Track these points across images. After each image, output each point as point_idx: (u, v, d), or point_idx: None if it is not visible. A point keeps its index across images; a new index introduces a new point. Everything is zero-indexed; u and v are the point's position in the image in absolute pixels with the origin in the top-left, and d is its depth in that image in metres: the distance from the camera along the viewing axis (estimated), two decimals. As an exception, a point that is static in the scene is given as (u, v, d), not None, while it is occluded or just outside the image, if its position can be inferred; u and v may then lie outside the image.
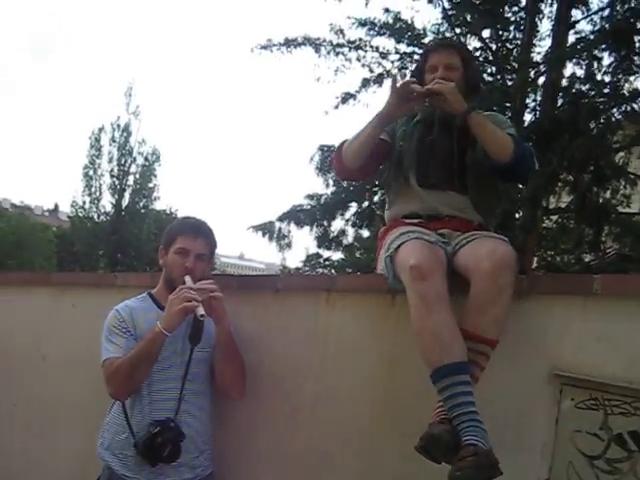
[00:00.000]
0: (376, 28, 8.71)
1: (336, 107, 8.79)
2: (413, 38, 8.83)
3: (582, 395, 1.75)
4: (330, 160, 2.38)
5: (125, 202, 23.23)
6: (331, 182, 8.86)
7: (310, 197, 9.07)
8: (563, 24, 9.39)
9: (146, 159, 23.57)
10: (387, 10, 9.11)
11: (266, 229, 9.41)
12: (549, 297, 1.82)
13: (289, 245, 9.45)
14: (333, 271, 9.91)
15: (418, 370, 1.98)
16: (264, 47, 8.83)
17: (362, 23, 8.67)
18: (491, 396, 1.82)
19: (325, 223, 8.89)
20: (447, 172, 2.11)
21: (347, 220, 8.70)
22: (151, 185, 23.81)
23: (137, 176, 23.43)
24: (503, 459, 1.57)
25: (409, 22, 9.05)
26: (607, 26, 8.03)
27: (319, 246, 9.41)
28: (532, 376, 1.82)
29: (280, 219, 9.31)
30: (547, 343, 1.81)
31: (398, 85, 1.99)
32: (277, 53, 8.92)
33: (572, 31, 9.18)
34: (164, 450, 1.97)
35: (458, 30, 8.91)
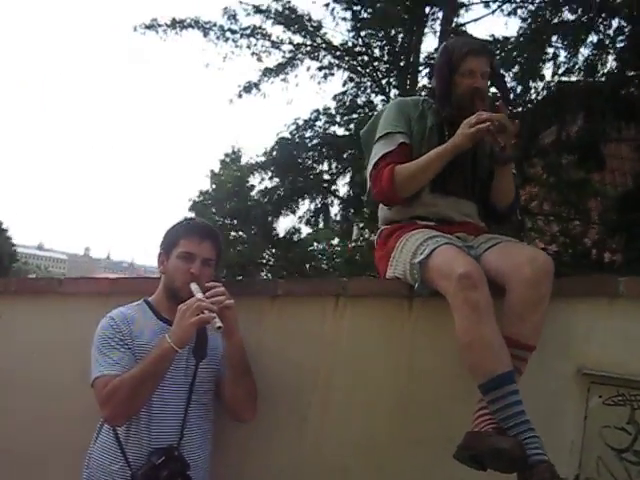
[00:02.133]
0: (271, 15, 8.64)
1: (239, 96, 8.63)
2: (307, 29, 8.89)
3: (609, 392, 1.89)
4: (374, 185, 2.23)
5: None
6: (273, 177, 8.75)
7: (263, 193, 8.81)
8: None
9: None
10: (277, -2, 9.09)
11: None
12: (575, 299, 1.94)
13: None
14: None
15: (438, 377, 2.04)
16: (148, 27, 8.39)
17: (258, 10, 8.55)
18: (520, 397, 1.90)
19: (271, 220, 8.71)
20: (463, 180, 2.16)
21: (300, 217, 8.56)
22: None
23: None
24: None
25: (300, 13, 9.12)
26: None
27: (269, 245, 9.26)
28: (560, 376, 1.93)
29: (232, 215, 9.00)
30: (574, 343, 1.93)
31: (479, 130, 1.95)
32: (163, 34, 8.51)
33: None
34: None
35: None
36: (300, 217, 8.77)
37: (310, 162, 8.49)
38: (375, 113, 2.37)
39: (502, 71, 2.88)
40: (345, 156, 8.56)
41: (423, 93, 9.88)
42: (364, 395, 2.09)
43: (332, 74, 10.25)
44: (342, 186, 9.03)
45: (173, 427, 1.87)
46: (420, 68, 11.04)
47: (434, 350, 2.04)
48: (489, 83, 2.19)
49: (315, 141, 8.78)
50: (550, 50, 6.16)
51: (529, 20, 5.91)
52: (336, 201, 8.99)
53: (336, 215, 9.11)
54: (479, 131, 1.95)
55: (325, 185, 8.95)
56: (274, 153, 8.63)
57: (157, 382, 1.81)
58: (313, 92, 9.94)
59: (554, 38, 5.93)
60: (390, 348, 2.09)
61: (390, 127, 2.19)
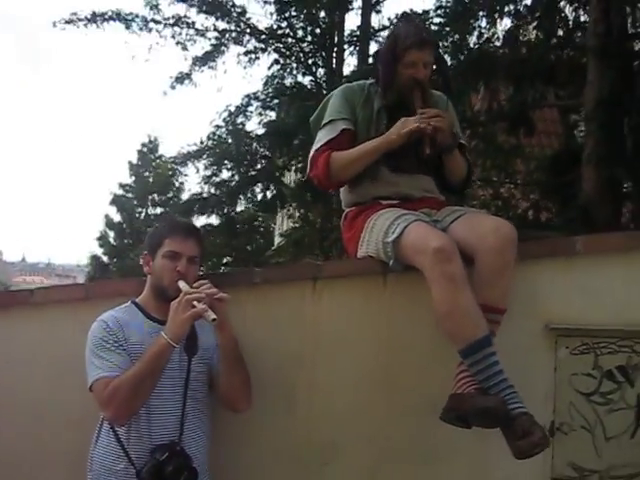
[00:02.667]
0: (194, 3, 8.53)
1: (172, 87, 8.51)
2: (231, 15, 8.85)
3: (575, 342, 2.08)
4: (310, 169, 2.34)
5: None
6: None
7: (217, 184, 8.69)
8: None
9: None
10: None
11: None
12: (536, 260, 2.11)
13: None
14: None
15: (417, 347, 2.17)
16: (68, 22, 8.15)
17: (181, -1, 8.44)
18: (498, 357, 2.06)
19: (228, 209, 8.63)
20: (415, 156, 2.26)
21: (255, 205, 8.51)
22: None
23: None
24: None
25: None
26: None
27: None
28: (529, 333, 2.11)
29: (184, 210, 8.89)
30: (539, 301, 2.10)
31: (412, 130, 2.09)
32: (84, 29, 8.28)
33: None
34: (179, 478, 1.84)
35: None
36: (256, 205, 8.80)
37: (262, 150, 8.51)
38: (323, 100, 2.45)
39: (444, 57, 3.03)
40: (296, 142, 8.62)
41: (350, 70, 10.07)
42: (348, 372, 2.19)
43: (257, 58, 10.26)
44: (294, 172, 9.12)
45: (173, 423, 1.92)
46: (345, 47, 11.17)
47: (411, 322, 2.17)
48: (433, 68, 2.28)
49: (261, 130, 8.80)
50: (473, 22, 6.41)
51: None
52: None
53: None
54: (412, 132, 2.10)
55: (277, 173, 9.01)
56: (209, 142, 8.62)
57: (156, 379, 1.86)
58: (241, 78, 9.94)
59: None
60: (369, 324, 2.20)
61: (334, 114, 2.29)
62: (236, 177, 8.62)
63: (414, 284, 2.14)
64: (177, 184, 22.04)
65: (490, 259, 1.93)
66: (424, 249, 1.90)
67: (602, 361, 2.07)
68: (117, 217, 24.66)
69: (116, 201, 24.59)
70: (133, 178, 24.65)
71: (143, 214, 24.41)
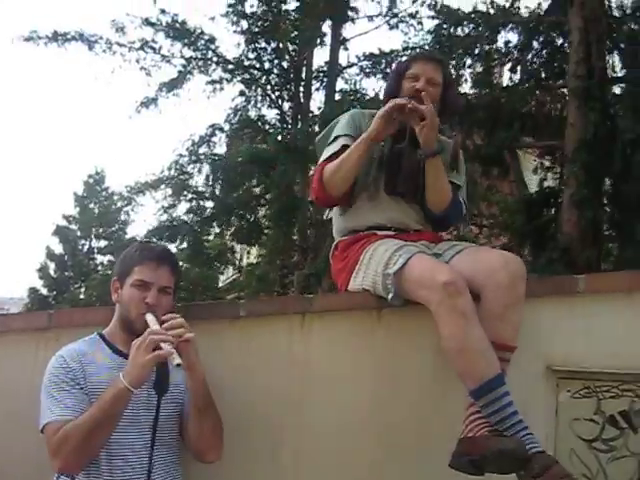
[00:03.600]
0: (161, 28, 8.50)
1: (138, 111, 8.39)
2: (197, 44, 8.85)
3: (577, 386, 2.03)
4: (312, 188, 2.31)
5: None
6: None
7: (192, 211, 8.49)
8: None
9: None
10: (163, 11, 8.97)
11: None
12: (539, 299, 2.07)
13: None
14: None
15: (415, 387, 2.09)
16: (28, 39, 7.98)
17: (148, 22, 8.39)
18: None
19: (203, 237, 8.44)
20: (414, 184, 2.22)
21: (231, 235, 8.32)
22: None
23: None
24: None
25: (190, 27, 9.06)
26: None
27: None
28: (530, 374, 2.04)
29: (151, 236, 8.65)
30: (541, 342, 2.05)
31: (391, 106, 2.05)
32: (44, 47, 8.12)
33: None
34: None
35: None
36: (232, 234, 8.68)
37: (238, 179, 8.43)
38: (332, 122, 2.41)
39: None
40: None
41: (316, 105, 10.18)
42: (339, 413, 2.08)
43: (222, 88, 10.27)
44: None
45: (137, 471, 1.75)
46: (312, 82, 11.30)
47: (407, 360, 2.09)
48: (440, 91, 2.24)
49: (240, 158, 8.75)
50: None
51: (434, 34, 6.24)
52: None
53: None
54: (387, 111, 2.04)
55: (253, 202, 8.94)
56: (171, 171, 8.51)
57: (113, 425, 1.69)
58: (203, 109, 9.96)
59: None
60: (363, 362, 2.11)
61: (339, 132, 2.27)
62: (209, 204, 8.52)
63: (410, 320, 2.09)
64: (123, 217, 21.92)
65: (501, 295, 1.87)
66: (431, 283, 1.83)
67: (604, 406, 2.02)
68: (59, 248, 24.16)
69: (59, 232, 24.15)
70: (77, 209, 24.31)
71: (86, 246, 24.07)
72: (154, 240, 8.78)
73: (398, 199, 2.23)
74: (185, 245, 9.01)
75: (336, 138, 2.26)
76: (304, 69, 10.83)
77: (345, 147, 2.20)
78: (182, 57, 8.84)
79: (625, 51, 5.71)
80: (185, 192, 9.59)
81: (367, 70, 10.76)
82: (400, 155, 2.22)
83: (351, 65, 11.19)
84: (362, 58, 10.82)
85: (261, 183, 8.58)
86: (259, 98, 11.11)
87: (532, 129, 5.92)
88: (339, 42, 10.99)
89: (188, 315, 2.05)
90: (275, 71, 10.15)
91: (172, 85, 8.56)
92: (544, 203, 5.52)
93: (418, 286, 1.89)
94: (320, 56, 11.38)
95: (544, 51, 6.00)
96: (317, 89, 11.37)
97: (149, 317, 1.78)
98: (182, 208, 9.40)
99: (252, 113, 11.16)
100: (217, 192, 8.37)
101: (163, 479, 1.79)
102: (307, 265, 9.68)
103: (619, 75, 6.00)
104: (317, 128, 9.24)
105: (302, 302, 2.17)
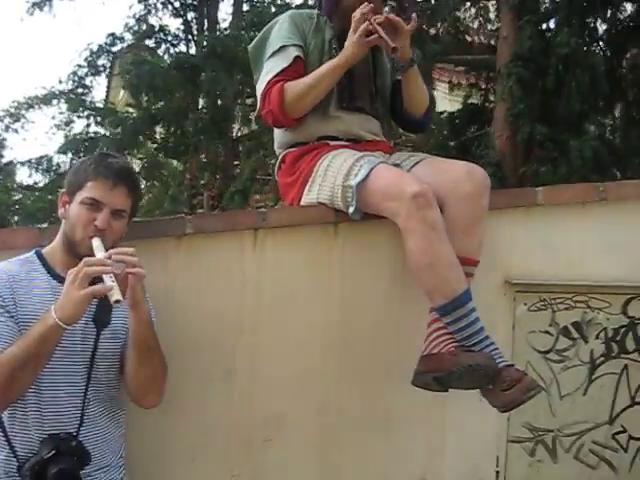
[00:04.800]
0: None
1: (30, 14, 7.62)
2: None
3: (533, 299, 2.08)
4: (262, 105, 2.07)
5: None
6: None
7: (114, 124, 7.79)
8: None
9: None
10: None
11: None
12: (498, 211, 2.06)
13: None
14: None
15: (372, 305, 2.06)
16: None
17: None
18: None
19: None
20: (369, 95, 2.14)
21: (156, 147, 7.74)
22: None
23: None
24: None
25: None
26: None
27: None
28: (489, 288, 2.06)
29: (63, 151, 7.94)
30: (499, 255, 2.07)
31: (365, 25, 1.89)
32: None
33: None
34: None
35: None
36: (157, 148, 8.20)
37: (162, 87, 7.88)
38: (266, 27, 2.22)
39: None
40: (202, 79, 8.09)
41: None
42: (294, 334, 2.03)
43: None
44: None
45: (70, 411, 1.60)
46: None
47: (366, 277, 2.05)
48: None
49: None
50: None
51: None
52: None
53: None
54: (363, 32, 1.91)
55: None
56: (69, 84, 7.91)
57: (41, 364, 1.53)
58: (100, 14, 9.31)
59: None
60: (319, 279, 2.04)
61: (284, 40, 2.09)
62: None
63: (369, 234, 2.04)
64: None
65: (466, 206, 1.83)
66: (399, 195, 1.76)
67: (558, 317, 2.09)
68: None
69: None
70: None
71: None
72: (79, 155, 8.13)
73: (352, 111, 2.12)
74: None
75: (282, 48, 2.08)
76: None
77: (298, 59, 2.06)
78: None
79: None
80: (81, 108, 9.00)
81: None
82: (351, 67, 2.08)
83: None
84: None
85: (187, 92, 8.08)
86: (160, 7, 10.50)
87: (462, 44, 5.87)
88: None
89: (128, 233, 1.89)
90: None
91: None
92: (469, 119, 5.53)
93: (383, 198, 1.82)
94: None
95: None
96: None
97: (95, 242, 1.58)
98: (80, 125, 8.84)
99: (154, 22, 10.55)
100: (142, 102, 7.79)
101: (99, 415, 1.66)
102: (216, 184, 9.40)
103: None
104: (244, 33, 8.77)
105: (254, 217, 2.05)
